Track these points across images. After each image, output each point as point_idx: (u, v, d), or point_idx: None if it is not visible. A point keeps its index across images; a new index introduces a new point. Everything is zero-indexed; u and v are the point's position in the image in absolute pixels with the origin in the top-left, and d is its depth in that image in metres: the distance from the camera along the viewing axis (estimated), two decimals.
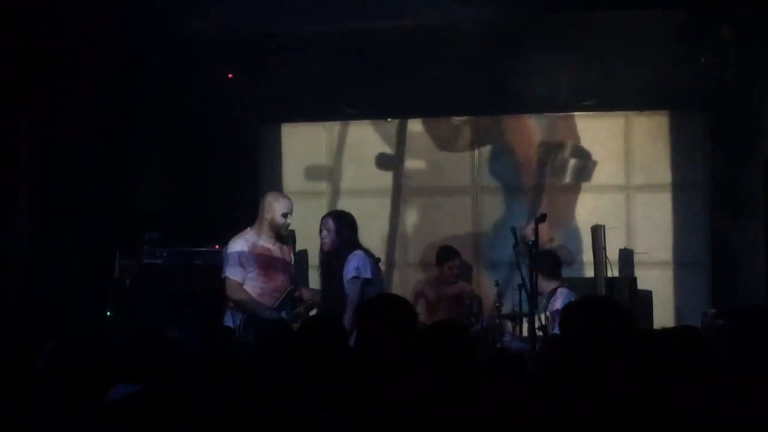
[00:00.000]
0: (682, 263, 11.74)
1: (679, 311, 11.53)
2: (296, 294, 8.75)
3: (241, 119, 11.64)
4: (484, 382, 4.46)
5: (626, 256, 10.88)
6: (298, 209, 12.03)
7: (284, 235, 8.73)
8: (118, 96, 10.53)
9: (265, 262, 8.65)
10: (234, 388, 4.20)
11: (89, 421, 4.35)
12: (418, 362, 4.41)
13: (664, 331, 4.81)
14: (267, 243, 8.70)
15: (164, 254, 9.80)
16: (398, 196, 12.22)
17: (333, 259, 8.57)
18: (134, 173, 11.08)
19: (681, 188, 11.77)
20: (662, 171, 11.80)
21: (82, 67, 9.97)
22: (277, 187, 12.20)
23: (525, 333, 9.67)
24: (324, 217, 8.77)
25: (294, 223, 11.68)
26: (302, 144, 12.34)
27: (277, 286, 8.64)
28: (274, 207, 8.68)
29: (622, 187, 11.89)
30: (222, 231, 10.56)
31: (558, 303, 8.93)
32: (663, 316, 10.88)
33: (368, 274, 8.47)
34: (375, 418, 4.05)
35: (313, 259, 11.70)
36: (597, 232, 10.40)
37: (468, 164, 12.09)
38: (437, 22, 10.09)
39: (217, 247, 10.44)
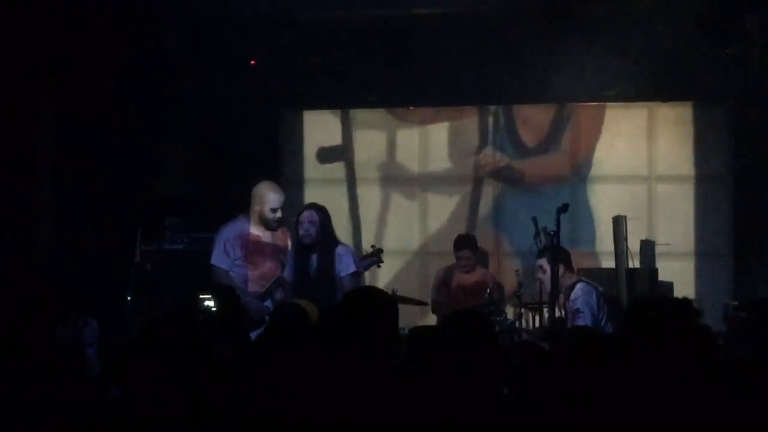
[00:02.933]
0: (703, 255, 11.71)
1: (700, 303, 11.45)
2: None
3: (263, 105, 11.62)
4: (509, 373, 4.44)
5: (647, 248, 10.81)
6: (318, 196, 12.10)
7: (273, 227, 8.63)
8: (140, 81, 10.54)
9: (252, 249, 8.56)
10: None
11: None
12: (442, 350, 4.40)
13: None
14: (256, 230, 8.59)
15: (185, 240, 9.81)
16: (419, 185, 12.19)
17: (316, 253, 8.46)
18: (156, 159, 11.10)
19: (704, 179, 11.73)
20: (685, 162, 11.76)
21: (103, 52, 9.98)
22: (298, 173, 12.20)
23: (545, 322, 9.66)
24: (306, 210, 8.61)
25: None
26: (323, 131, 12.33)
27: (263, 273, 8.54)
28: (265, 200, 8.54)
29: (644, 178, 11.85)
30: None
31: (579, 302, 8.88)
32: None
33: (361, 268, 8.46)
34: (393, 407, 4.05)
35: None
36: (618, 222, 10.34)
37: (489, 153, 12.05)
38: (460, 10, 10.05)
39: None
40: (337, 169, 12.29)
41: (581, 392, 4.03)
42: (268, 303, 8.47)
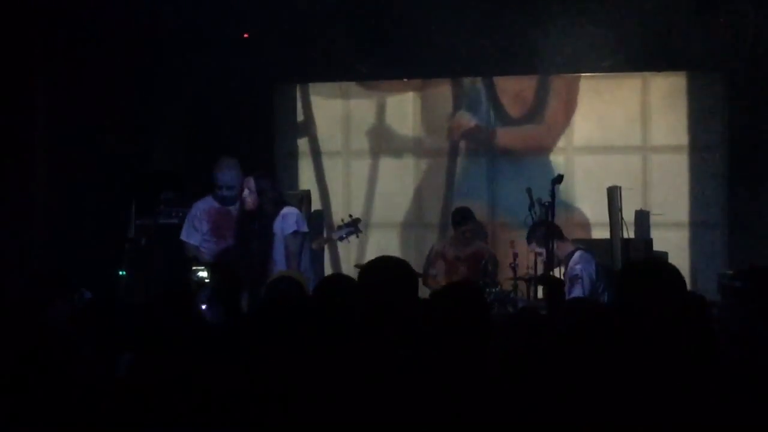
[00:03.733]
0: (698, 224, 11.72)
1: (695, 273, 11.50)
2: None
3: (257, 79, 11.59)
4: (503, 345, 4.44)
5: (642, 218, 10.82)
6: (312, 169, 12.11)
7: (227, 203, 8.63)
8: (134, 56, 10.51)
9: (217, 223, 8.64)
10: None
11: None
12: (433, 323, 4.40)
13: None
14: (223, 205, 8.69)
15: (180, 214, 9.78)
16: (415, 157, 12.19)
17: (257, 219, 8.48)
18: (150, 133, 11.08)
19: (698, 149, 11.73)
20: (679, 132, 11.76)
21: (97, 27, 9.94)
22: (292, 147, 12.19)
23: (540, 295, 9.68)
24: (246, 178, 8.60)
25: (309, 183, 11.77)
26: (318, 104, 12.30)
27: (229, 246, 8.58)
28: (214, 178, 8.64)
29: (638, 149, 11.85)
30: None
31: (578, 268, 8.90)
32: None
33: (306, 228, 8.53)
34: (386, 380, 4.06)
35: (329, 218, 11.79)
36: (613, 193, 10.34)
37: (485, 125, 12.05)
38: None
39: None
40: (332, 141, 12.27)
41: (577, 363, 4.04)
42: None
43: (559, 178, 8.94)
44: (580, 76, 11.85)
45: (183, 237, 8.71)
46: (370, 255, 11.26)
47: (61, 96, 10.00)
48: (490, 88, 12.08)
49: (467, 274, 10.16)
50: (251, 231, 8.47)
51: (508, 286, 10.06)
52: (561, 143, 11.92)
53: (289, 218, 8.48)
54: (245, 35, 11.24)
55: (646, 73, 11.77)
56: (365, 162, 12.19)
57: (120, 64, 10.36)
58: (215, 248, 8.62)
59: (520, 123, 12.02)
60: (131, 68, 10.51)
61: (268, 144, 12.02)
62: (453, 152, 12.12)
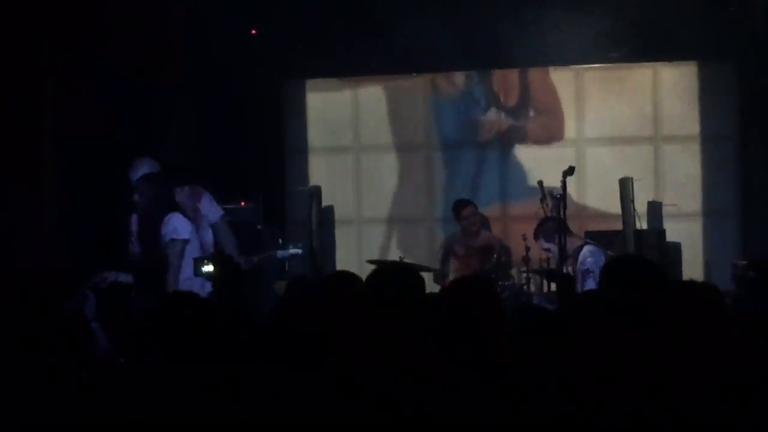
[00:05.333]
0: (711, 215, 11.68)
1: (708, 263, 11.47)
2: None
3: (265, 75, 11.57)
4: (513, 337, 4.42)
5: (655, 209, 10.79)
6: (324, 165, 12.09)
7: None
8: (142, 52, 10.49)
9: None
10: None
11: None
12: (443, 318, 4.38)
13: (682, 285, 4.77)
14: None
15: None
16: (425, 151, 12.16)
17: (150, 222, 8.38)
18: (159, 130, 11.05)
19: (710, 139, 11.69)
20: (691, 122, 11.71)
21: (105, 23, 9.93)
22: (302, 143, 12.17)
23: (552, 287, 9.65)
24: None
25: (319, 179, 11.74)
26: (326, 99, 12.28)
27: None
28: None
29: (650, 139, 11.80)
30: (247, 187, 10.58)
31: (588, 263, 8.86)
32: (692, 268, 10.80)
33: (186, 235, 8.40)
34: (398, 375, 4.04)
35: (340, 214, 11.76)
36: (625, 184, 10.30)
37: (494, 117, 12.02)
38: None
39: (242, 203, 10.44)
40: (342, 137, 12.24)
41: (586, 356, 4.01)
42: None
43: (571, 170, 8.89)
44: (591, 67, 11.80)
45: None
46: (383, 250, 11.27)
47: (68, 92, 9.98)
48: (499, 81, 12.03)
49: (478, 267, 10.11)
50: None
51: (521, 279, 10.03)
52: (572, 135, 11.87)
53: (168, 224, 8.31)
54: (253, 32, 11.22)
55: (657, 63, 11.72)
56: (375, 157, 12.16)
57: (128, 61, 10.34)
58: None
59: (530, 115, 11.97)
60: (139, 65, 10.49)
61: (278, 140, 12.00)
62: (464, 146, 12.08)
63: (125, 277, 8.06)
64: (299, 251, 8.97)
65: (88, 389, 4.23)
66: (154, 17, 10.37)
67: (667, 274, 4.54)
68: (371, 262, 9.76)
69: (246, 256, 8.44)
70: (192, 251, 8.26)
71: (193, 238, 8.43)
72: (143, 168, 8.43)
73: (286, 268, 10.44)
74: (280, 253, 8.93)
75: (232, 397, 3.99)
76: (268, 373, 4.09)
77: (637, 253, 9.28)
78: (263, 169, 11.35)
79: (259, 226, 10.40)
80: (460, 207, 10.44)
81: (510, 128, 12.01)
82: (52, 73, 9.96)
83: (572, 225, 9.44)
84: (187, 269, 8.08)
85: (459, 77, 12.14)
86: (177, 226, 8.28)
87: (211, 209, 8.65)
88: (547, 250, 9.13)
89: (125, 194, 8.65)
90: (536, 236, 9.32)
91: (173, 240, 8.24)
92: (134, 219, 8.54)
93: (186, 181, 8.78)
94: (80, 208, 9.59)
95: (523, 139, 11.98)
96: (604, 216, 11.54)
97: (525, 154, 11.93)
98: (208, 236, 8.55)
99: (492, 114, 12.04)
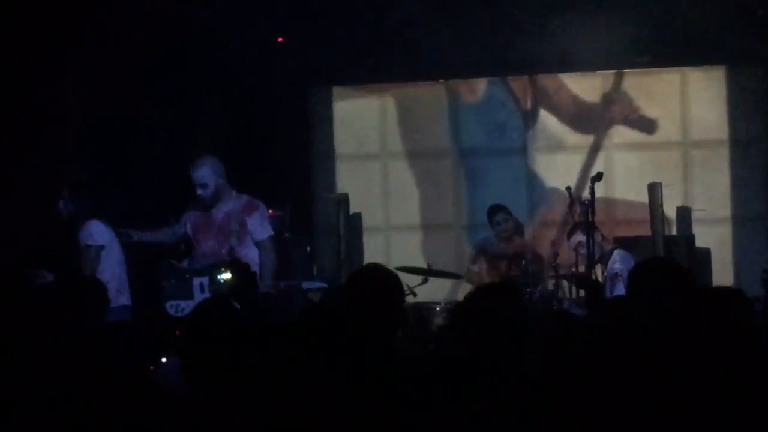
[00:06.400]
0: (740, 220, 11.62)
1: (738, 268, 11.40)
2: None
3: (292, 83, 11.59)
4: (539, 344, 4.40)
5: (684, 214, 10.74)
6: (351, 173, 12.09)
7: (205, 204, 8.59)
8: (167, 61, 10.53)
9: (195, 228, 8.63)
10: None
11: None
12: (466, 325, 4.37)
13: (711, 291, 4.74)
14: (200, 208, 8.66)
15: None
16: (452, 158, 12.14)
17: (72, 229, 8.49)
18: (186, 138, 11.09)
19: (739, 144, 11.64)
20: (719, 127, 11.66)
21: (131, 32, 9.97)
22: (329, 150, 12.17)
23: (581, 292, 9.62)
24: (63, 188, 8.59)
25: (347, 186, 11.73)
26: (353, 107, 12.28)
27: (204, 252, 8.56)
28: (192, 174, 8.55)
29: (678, 144, 11.75)
30: (274, 195, 10.56)
31: (617, 266, 8.85)
32: (722, 273, 10.75)
33: (102, 241, 8.43)
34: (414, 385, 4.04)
35: (368, 222, 11.75)
36: (654, 189, 10.27)
37: (520, 124, 11.99)
38: None
39: (271, 211, 10.42)
40: (369, 144, 12.24)
41: (614, 363, 3.99)
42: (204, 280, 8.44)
43: (599, 176, 8.87)
44: (618, 72, 11.76)
45: (172, 224, 8.76)
46: (410, 257, 11.23)
47: (94, 103, 10.04)
48: (525, 87, 12.01)
49: (508, 272, 10.11)
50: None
51: (549, 285, 10.02)
52: (600, 140, 11.83)
53: (84, 230, 8.43)
54: (280, 40, 11.24)
55: (685, 68, 11.67)
56: (402, 164, 12.15)
57: (155, 69, 10.38)
58: (195, 254, 8.65)
59: (556, 121, 11.94)
60: (166, 73, 10.52)
61: (305, 148, 12.00)
62: (491, 153, 12.05)
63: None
64: (325, 285, 9.00)
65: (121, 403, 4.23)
66: (180, 25, 10.41)
67: (694, 277, 4.50)
68: (399, 269, 9.75)
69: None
70: (110, 257, 8.41)
71: (112, 246, 8.49)
72: (210, 163, 8.50)
73: (314, 272, 10.49)
74: (305, 283, 8.94)
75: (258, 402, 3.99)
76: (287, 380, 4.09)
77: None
78: (290, 177, 11.35)
79: (286, 234, 10.40)
80: (493, 212, 10.47)
81: (536, 134, 11.97)
82: (79, 88, 10.01)
83: (601, 230, 9.41)
84: (102, 274, 8.18)
85: (484, 84, 12.12)
86: (93, 231, 8.40)
87: (258, 227, 8.62)
88: (581, 245, 9.08)
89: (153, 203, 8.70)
90: (570, 234, 9.32)
91: (87, 246, 8.36)
92: (190, 218, 8.62)
93: (242, 188, 8.82)
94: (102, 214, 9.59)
95: (550, 145, 11.94)
96: (633, 221, 11.49)
97: (552, 161, 11.90)
98: (253, 253, 8.51)
99: (518, 120, 12.01)
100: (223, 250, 8.50)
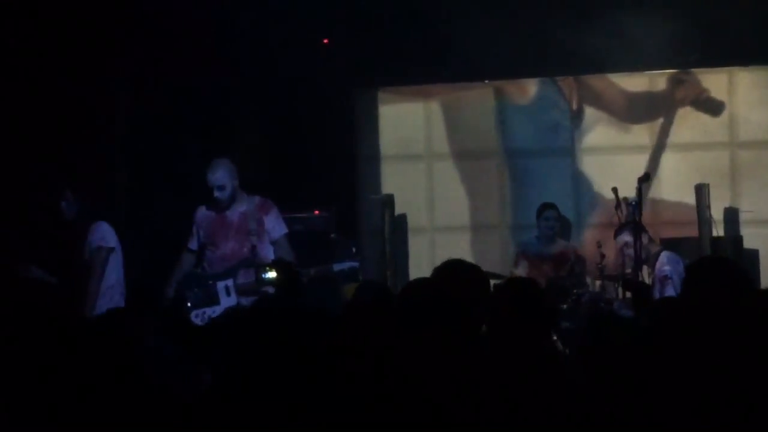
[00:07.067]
0: None
1: None
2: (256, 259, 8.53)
3: (337, 84, 11.60)
4: (587, 345, 4.39)
5: (732, 215, 10.68)
6: (396, 174, 12.09)
7: (220, 206, 8.59)
8: (213, 63, 10.58)
9: (211, 230, 8.62)
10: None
11: None
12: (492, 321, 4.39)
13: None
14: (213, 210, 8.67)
15: None
16: (497, 159, 12.11)
17: (75, 230, 8.53)
18: (231, 140, 11.14)
19: None
20: (767, 127, 11.54)
21: (176, 34, 10.03)
22: (374, 151, 12.16)
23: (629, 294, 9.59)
24: (63, 190, 8.63)
25: (392, 187, 11.73)
26: (398, 108, 12.27)
27: (224, 254, 8.57)
28: (207, 176, 8.57)
29: (726, 144, 11.65)
30: (320, 196, 10.58)
31: (667, 269, 8.81)
32: None
33: (113, 243, 8.47)
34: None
35: (413, 222, 11.75)
36: (701, 190, 10.22)
37: (567, 125, 11.94)
38: None
39: (316, 212, 10.45)
40: (414, 145, 12.23)
41: (663, 365, 3.97)
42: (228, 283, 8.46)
43: (646, 177, 8.85)
44: (664, 72, 11.69)
45: (187, 244, 8.73)
46: (453, 258, 11.20)
47: (140, 101, 10.11)
48: (570, 87, 11.95)
49: (551, 274, 10.09)
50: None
51: (596, 286, 9.98)
52: (647, 141, 11.76)
53: (95, 233, 8.49)
54: (325, 41, 11.27)
55: (732, 68, 11.57)
56: (447, 165, 12.12)
57: (200, 71, 10.44)
58: (212, 256, 8.62)
59: (602, 122, 11.88)
60: (211, 75, 10.58)
61: (350, 149, 12.00)
62: (536, 153, 12.01)
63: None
64: (356, 264, 8.96)
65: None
66: (224, 27, 10.46)
67: (750, 277, 4.45)
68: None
69: (302, 269, 8.45)
70: (117, 261, 8.50)
71: (118, 250, 8.56)
72: (226, 166, 8.52)
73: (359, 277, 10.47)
74: (336, 265, 8.93)
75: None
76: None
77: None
78: (336, 178, 11.36)
79: (332, 235, 10.43)
80: (542, 209, 10.48)
81: (582, 134, 11.91)
82: (126, 84, 10.08)
83: (648, 231, 9.37)
84: (109, 277, 8.21)
85: (529, 84, 12.06)
86: (105, 234, 8.44)
87: (275, 225, 8.67)
88: (628, 246, 9.05)
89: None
90: (616, 235, 9.31)
91: (100, 247, 8.42)
92: (204, 220, 8.62)
93: (256, 189, 8.84)
94: (150, 221, 9.70)
95: (596, 146, 11.88)
96: (680, 223, 11.42)
97: (598, 161, 11.84)
98: (270, 253, 8.56)
99: (563, 120, 11.96)
100: (245, 250, 8.54)
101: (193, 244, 8.66)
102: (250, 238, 8.53)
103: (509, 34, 10.85)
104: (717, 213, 10.41)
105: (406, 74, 11.74)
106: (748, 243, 10.29)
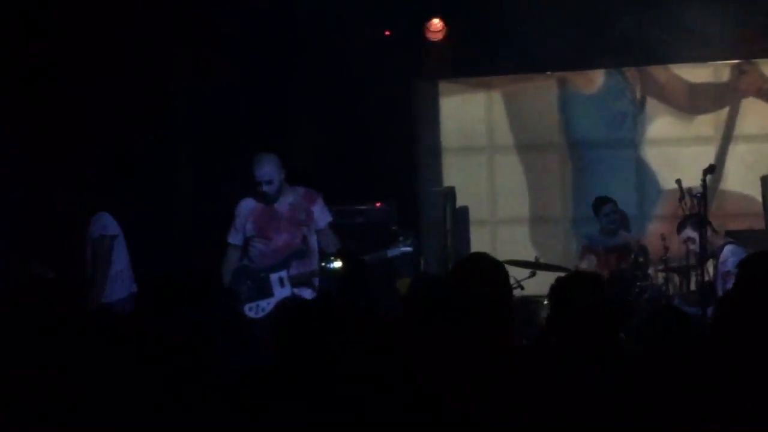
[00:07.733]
0: None
1: None
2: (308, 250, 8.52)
3: (398, 76, 11.58)
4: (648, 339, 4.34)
5: None
6: (458, 166, 12.06)
7: (268, 200, 8.56)
8: (272, 54, 10.62)
9: (261, 223, 8.57)
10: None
11: None
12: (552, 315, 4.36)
13: None
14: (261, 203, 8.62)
15: None
16: (559, 150, 12.04)
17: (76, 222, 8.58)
18: (288, 130, 11.17)
19: None
20: None
21: (235, 26, 10.09)
22: (435, 143, 12.14)
23: (692, 287, 9.52)
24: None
25: (453, 180, 11.71)
26: (459, 100, 12.24)
27: (278, 246, 8.52)
28: (254, 173, 8.50)
29: None
30: (381, 188, 10.57)
31: (730, 264, 8.71)
32: None
33: (115, 231, 8.50)
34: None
35: (474, 215, 11.72)
36: (767, 182, 10.09)
37: (630, 117, 11.84)
38: None
39: (377, 204, 10.43)
40: (475, 137, 12.19)
41: (724, 361, 3.92)
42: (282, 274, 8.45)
43: (711, 168, 8.74)
44: (728, 63, 11.56)
45: (228, 239, 8.67)
46: (517, 250, 11.17)
47: (198, 95, 10.19)
48: (634, 78, 11.85)
49: (617, 266, 10.02)
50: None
51: (659, 279, 9.90)
52: (712, 132, 11.63)
53: (96, 222, 8.52)
54: (386, 33, 11.26)
55: None
56: (509, 157, 12.07)
57: (256, 62, 10.49)
58: (265, 249, 8.55)
59: (667, 113, 11.77)
60: (268, 68, 10.62)
61: (411, 141, 11.98)
62: (599, 145, 11.92)
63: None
64: (410, 249, 8.89)
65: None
66: (285, 19, 10.50)
67: None
68: (507, 262, 9.70)
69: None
70: (122, 247, 8.55)
71: (121, 237, 8.63)
72: (273, 161, 8.54)
73: (422, 265, 10.47)
74: (390, 251, 8.89)
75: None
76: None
77: None
78: (397, 171, 11.34)
79: (393, 227, 10.41)
80: (600, 204, 10.42)
81: (645, 126, 11.81)
82: (183, 81, 10.16)
83: (712, 224, 9.27)
84: (117, 262, 8.29)
85: (596, 74, 11.98)
86: (106, 222, 8.51)
87: (322, 214, 8.67)
88: (692, 240, 8.97)
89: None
90: (680, 228, 9.22)
91: (102, 236, 8.49)
92: (252, 214, 8.63)
93: (300, 180, 8.84)
94: (214, 219, 9.72)
95: (660, 137, 11.78)
96: (746, 215, 11.29)
97: (662, 153, 11.73)
98: (315, 242, 8.59)
99: (627, 111, 11.86)
100: (297, 241, 8.53)
101: (237, 239, 8.61)
102: (301, 229, 8.54)
103: (571, 25, 10.78)
104: None
105: (467, 65, 11.71)
106: None
